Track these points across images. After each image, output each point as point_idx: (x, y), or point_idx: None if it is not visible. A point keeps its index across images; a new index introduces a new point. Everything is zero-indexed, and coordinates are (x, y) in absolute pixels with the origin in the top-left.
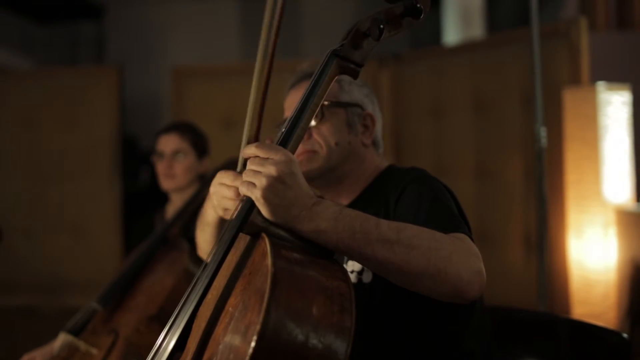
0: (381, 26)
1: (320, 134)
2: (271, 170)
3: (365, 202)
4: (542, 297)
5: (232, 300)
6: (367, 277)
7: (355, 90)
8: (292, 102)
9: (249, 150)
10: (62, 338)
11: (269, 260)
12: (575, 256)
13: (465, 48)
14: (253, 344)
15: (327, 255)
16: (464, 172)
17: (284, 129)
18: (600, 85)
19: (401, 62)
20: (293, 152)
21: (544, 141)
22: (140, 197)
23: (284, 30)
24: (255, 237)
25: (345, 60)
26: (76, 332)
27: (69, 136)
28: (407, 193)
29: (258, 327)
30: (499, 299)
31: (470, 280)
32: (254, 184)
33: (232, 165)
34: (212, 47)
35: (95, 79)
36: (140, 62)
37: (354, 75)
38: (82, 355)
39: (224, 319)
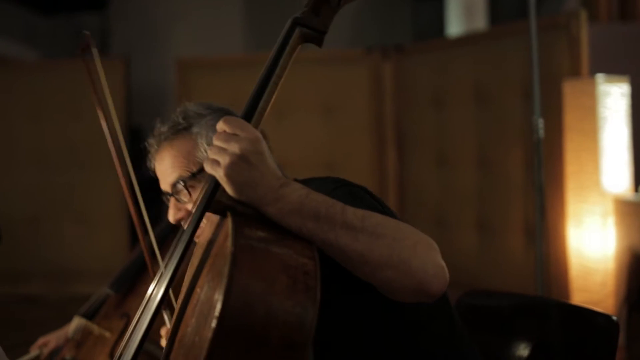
0: None
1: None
2: (235, 148)
3: None
4: (539, 284)
5: (200, 282)
6: None
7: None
8: (162, 172)
9: (219, 125)
10: (76, 322)
11: (229, 241)
12: (575, 245)
13: (467, 40)
14: (213, 325)
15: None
16: (465, 163)
17: (245, 108)
18: (600, 77)
19: (404, 53)
20: (256, 127)
21: (541, 132)
22: (145, 188)
23: (287, 21)
24: (224, 216)
25: (307, 28)
26: (90, 316)
27: (75, 127)
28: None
29: (217, 310)
30: (499, 286)
31: (435, 274)
32: (218, 162)
33: None
34: (216, 38)
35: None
36: (144, 53)
37: (318, 42)
38: (96, 339)
39: (192, 301)
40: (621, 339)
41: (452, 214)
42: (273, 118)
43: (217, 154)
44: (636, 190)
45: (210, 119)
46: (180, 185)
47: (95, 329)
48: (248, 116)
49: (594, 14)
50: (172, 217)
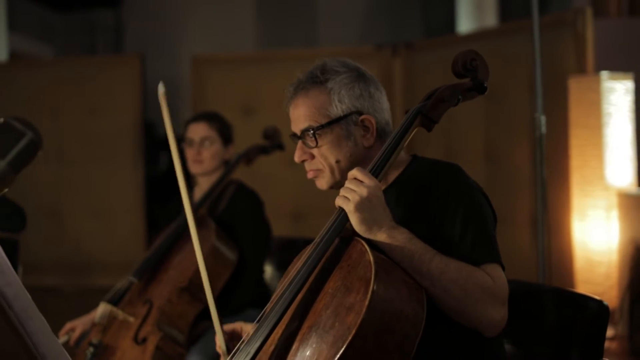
0: (459, 97)
1: (321, 155)
2: (363, 191)
3: (399, 190)
4: (541, 275)
5: (331, 284)
6: None
7: (346, 98)
8: (295, 118)
9: (351, 172)
10: (102, 307)
11: (370, 257)
12: (579, 238)
13: (476, 37)
14: (362, 315)
15: None
16: (473, 157)
17: (374, 165)
18: (604, 74)
19: (414, 50)
20: (379, 179)
21: (543, 128)
22: (160, 182)
23: (299, 18)
24: (344, 240)
25: (426, 118)
26: (115, 302)
27: (92, 123)
28: (452, 204)
29: (366, 302)
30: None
31: (488, 325)
32: (348, 199)
33: (252, 150)
34: (229, 35)
35: (117, 67)
36: (157, 49)
37: (429, 128)
38: (120, 323)
39: (323, 298)
40: (624, 329)
41: None
42: (285, 113)
43: (348, 193)
44: (639, 184)
45: (344, 77)
46: (310, 133)
47: (120, 314)
48: (376, 172)
49: (604, 9)
50: (297, 157)
